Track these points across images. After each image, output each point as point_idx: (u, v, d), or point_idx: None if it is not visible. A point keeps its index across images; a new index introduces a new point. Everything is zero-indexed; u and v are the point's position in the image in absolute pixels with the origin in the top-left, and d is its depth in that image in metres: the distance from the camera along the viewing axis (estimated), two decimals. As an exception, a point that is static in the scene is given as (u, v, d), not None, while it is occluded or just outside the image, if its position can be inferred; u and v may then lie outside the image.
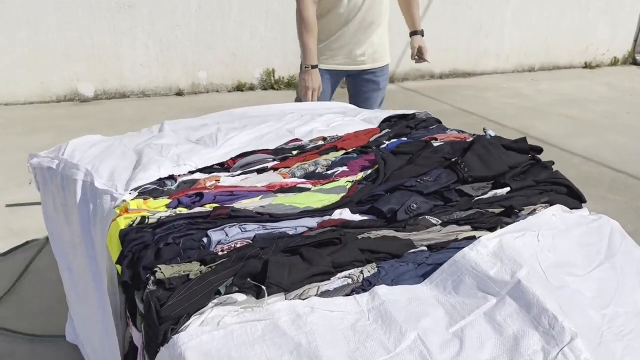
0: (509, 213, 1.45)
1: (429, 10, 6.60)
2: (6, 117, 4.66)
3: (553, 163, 1.77)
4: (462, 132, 2.08)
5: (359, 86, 2.83)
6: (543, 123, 5.28)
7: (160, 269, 1.16)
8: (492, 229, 1.41)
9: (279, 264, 1.15)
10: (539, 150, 1.78)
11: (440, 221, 1.42)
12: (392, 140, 1.94)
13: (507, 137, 1.88)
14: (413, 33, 2.93)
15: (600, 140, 4.86)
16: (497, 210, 1.49)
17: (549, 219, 1.32)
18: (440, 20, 6.69)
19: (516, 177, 1.64)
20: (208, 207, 1.41)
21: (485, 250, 1.18)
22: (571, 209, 1.57)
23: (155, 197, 1.46)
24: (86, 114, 4.84)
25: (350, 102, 2.76)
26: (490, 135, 1.96)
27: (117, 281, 1.36)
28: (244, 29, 5.60)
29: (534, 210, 1.52)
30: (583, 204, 1.62)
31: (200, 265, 1.20)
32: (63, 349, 2.11)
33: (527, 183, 1.63)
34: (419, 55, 2.96)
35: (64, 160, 1.75)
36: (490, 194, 1.58)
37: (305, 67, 2.64)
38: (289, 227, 1.33)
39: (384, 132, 2.03)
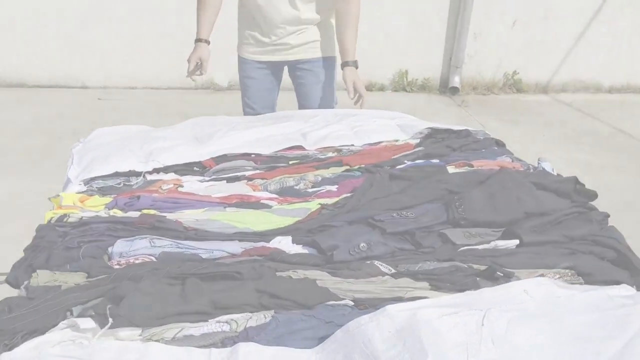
0: (491, 275, 1.09)
1: (601, 12, 5.69)
2: (146, 99, 5.08)
3: (608, 216, 1.31)
4: (519, 160, 1.67)
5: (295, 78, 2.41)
6: None
7: (37, 274, 1.07)
8: (462, 291, 1.08)
9: (142, 293, 0.98)
10: (590, 195, 1.33)
11: (393, 270, 1.11)
12: (418, 161, 1.62)
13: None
14: (344, 64, 2.21)
15: None
16: (483, 268, 1.13)
17: (516, 296, 0.95)
18: (614, 24, 5.73)
19: (538, 228, 1.24)
20: (145, 212, 1.29)
21: (390, 324, 0.87)
22: (615, 283, 1.14)
23: (103, 194, 1.38)
24: (213, 102, 5.07)
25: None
26: (542, 169, 1.54)
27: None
28: (380, 28, 5.39)
29: (542, 275, 1.13)
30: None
31: (87, 277, 1.09)
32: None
33: (552, 237, 1.22)
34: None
35: (77, 148, 1.77)
36: (491, 245, 1.21)
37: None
38: (205, 249, 1.15)
39: (415, 149, 1.71)
